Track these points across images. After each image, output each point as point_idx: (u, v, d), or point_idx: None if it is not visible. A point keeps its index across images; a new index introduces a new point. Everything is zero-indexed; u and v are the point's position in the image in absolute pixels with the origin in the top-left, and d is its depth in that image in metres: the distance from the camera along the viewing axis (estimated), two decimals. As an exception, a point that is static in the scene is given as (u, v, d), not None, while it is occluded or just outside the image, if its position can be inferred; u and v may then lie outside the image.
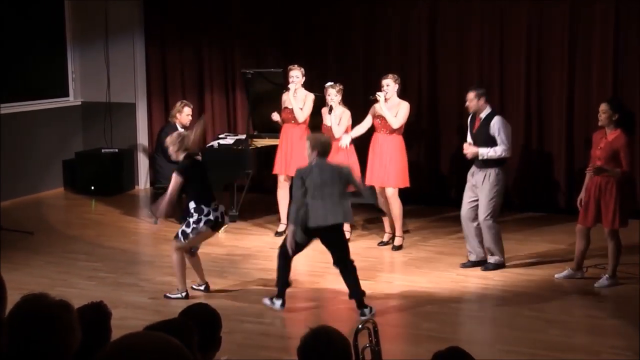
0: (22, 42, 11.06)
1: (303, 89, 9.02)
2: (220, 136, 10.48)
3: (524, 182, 10.08)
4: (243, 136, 10.03)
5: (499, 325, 6.59)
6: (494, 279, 7.63)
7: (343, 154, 8.77)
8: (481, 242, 7.84)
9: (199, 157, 7.39)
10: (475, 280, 7.63)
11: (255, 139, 9.93)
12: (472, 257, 7.94)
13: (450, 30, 10.19)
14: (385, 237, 8.80)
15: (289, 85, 8.94)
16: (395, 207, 8.60)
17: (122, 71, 11.76)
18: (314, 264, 8.25)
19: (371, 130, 8.74)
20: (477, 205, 7.76)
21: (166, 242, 8.74)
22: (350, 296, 6.77)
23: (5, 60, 10.77)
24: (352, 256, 8.51)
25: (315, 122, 9.01)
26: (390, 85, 8.51)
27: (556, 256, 8.26)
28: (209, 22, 11.30)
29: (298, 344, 3.26)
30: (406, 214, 8.82)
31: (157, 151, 10.16)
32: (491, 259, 7.83)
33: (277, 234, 9.18)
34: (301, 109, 8.93)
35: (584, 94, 9.65)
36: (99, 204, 10.94)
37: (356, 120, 8.94)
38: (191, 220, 6.99)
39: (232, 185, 9.79)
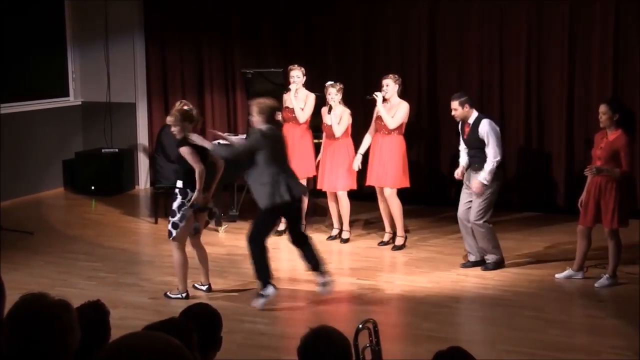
0: (22, 42, 11.07)
1: (304, 89, 9.01)
2: (221, 136, 10.46)
3: (524, 182, 10.08)
4: (243, 136, 10.02)
5: (498, 325, 6.59)
6: (493, 279, 7.63)
7: (344, 154, 8.77)
8: (479, 242, 7.85)
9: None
10: (475, 280, 7.63)
11: (255, 139, 9.91)
12: (472, 257, 7.94)
13: (450, 30, 10.20)
14: (386, 237, 8.80)
15: (290, 86, 8.93)
16: (395, 207, 8.60)
17: (122, 71, 11.76)
18: (314, 264, 8.25)
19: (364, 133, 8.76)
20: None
21: (166, 242, 8.73)
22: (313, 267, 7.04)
23: (5, 60, 10.77)
24: (352, 256, 8.58)
25: (316, 121, 9.00)
26: (390, 85, 8.51)
27: (556, 256, 8.26)
28: (209, 22, 11.31)
29: (298, 344, 3.26)
30: (406, 214, 8.82)
31: (157, 151, 10.17)
32: (489, 258, 7.82)
33: (277, 233, 9.18)
34: (302, 109, 8.92)
35: (584, 94, 9.65)
36: (99, 204, 10.94)
37: (356, 120, 8.94)
38: (175, 205, 6.91)
39: (232, 185, 9.79)
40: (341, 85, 8.74)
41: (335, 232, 9.01)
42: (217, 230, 9.28)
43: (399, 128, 8.52)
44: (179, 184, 6.94)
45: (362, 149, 8.73)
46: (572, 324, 6.64)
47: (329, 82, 8.76)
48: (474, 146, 7.73)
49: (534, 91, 9.91)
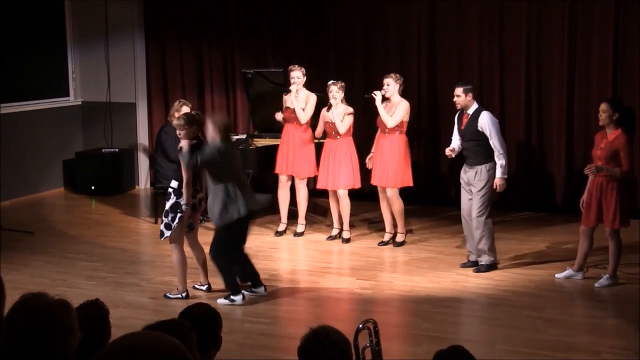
0: (22, 42, 11.07)
1: (304, 89, 9.01)
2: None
3: (524, 182, 10.08)
4: (243, 136, 10.02)
5: (499, 325, 6.59)
6: (494, 279, 7.63)
7: (345, 153, 8.77)
8: (482, 242, 7.84)
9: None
10: (475, 280, 7.63)
11: (255, 139, 9.93)
12: (472, 257, 7.94)
13: (450, 30, 10.19)
14: (386, 237, 8.80)
15: (291, 87, 8.92)
16: (396, 206, 8.60)
17: (122, 71, 11.77)
18: (314, 264, 8.26)
19: (376, 130, 8.75)
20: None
21: (166, 242, 8.74)
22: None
23: (5, 60, 10.78)
24: (352, 256, 8.58)
25: (316, 121, 8.99)
26: (391, 84, 8.51)
27: (556, 256, 8.26)
28: (209, 21, 11.31)
29: (298, 344, 3.27)
30: (407, 214, 8.82)
31: (157, 151, 10.15)
32: (483, 260, 7.80)
33: (277, 233, 9.19)
34: (303, 109, 8.91)
35: (584, 94, 9.64)
36: (99, 203, 10.94)
37: (357, 119, 8.93)
38: (168, 206, 6.91)
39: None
40: (343, 84, 8.74)
41: (335, 232, 9.00)
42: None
43: (400, 127, 8.52)
44: (174, 184, 6.95)
45: (374, 147, 8.74)
46: (572, 323, 6.63)
47: (332, 81, 8.77)
48: (469, 138, 7.72)
49: (534, 90, 9.91)
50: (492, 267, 7.81)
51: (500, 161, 7.60)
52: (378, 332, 4.30)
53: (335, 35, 10.69)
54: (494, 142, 7.60)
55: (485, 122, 7.64)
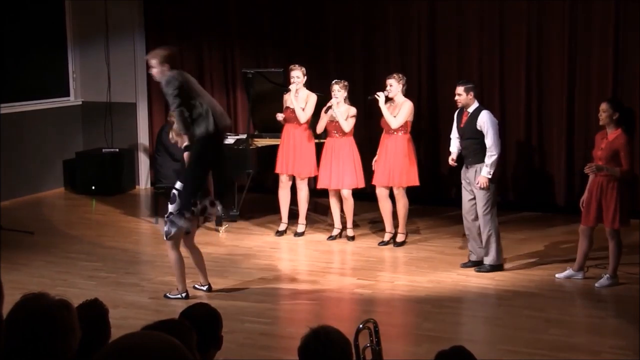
0: (22, 42, 11.07)
1: (305, 89, 9.00)
2: (221, 136, 10.46)
3: (524, 182, 10.09)
4: (244, 136, 10.03)
5: (499, 325, 6.59)
6: (494, 279, 7.63)
7: (348, 153, 8.77)
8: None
9: None
10: (476, 280, 7.63)
11: (255, 139, 9.93)
12: (473, 257, 7.93)
13: (450, 30, 10.19)
14: (386, 237, 8.80)
15: (290, 86, 8.93)
16: (402, 205, 8.62)
17: (122, 71, 11.77)
18: (314, 264, 8.26)
19: (381, 131, 8.76)
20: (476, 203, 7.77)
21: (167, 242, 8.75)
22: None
23: (5, 60, 10.78)
24: (353, 256, 8.58)
25: (317, 122, 8.98)
26: (394, 85, 8.51)
27: (556, 256, 8.26)
28: (209, 22, 11.31)
29: (299, 344, 3.27)
30: (407, 214, 8.81)
31: (157, 151, 10.16)
32: (487, 259, 7.80)
33: (278, 233, 9.19)
34: (303, 109, 8.91)
35: (584, 93, 9.64)
36: (99, 203, 10.94)
37: (358, 119, 8.93)
38: (173, 208, 6.86)
39: (232, 185, 9.79)
40: (346, 83, 8.75)
41: (336, 232, 9.01)
42: (217, 230, 9.28)
43: (404, 127, 8.52)
44: (179, 185, 6.91)
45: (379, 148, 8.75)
46: (572, 323, 6.63)
47: (335, 80, 8.78)
48: (468, 136, 7.71)
49: (534, 90, 9.91)
50: (496, 267, 7.78)
51: (488, 160, 7.57)
52: (378, 332, 4.31)
53: (335, 35, 10.70)
54: (489, 140, 7.59)
55: (485, 120, 7.63)
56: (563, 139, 9.79)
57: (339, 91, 8.67)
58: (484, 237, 7.72)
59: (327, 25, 10.72)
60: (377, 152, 8.72)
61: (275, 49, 10.98)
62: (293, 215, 9.26)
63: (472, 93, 7.74)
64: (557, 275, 7.61)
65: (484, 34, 10.05)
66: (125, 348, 1.98)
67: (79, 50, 11.95)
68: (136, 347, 1.97)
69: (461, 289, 7.44)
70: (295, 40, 10.88)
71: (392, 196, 8.72)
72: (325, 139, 9.02)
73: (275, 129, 9.46)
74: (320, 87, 9.40)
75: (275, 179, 9.39)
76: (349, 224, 8.97)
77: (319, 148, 9.05)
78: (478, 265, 7.86)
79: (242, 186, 9.81)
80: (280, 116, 9.15)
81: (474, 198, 7.75)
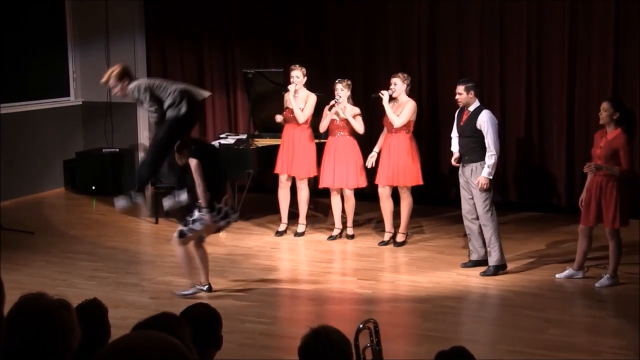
0: (22, 41, 11.07)
1: (305, 89, 9.00)
2: (221, 136, 10.48)
3: (524, 182, 10.09)
4: (244, 136, 10.03)
5: (499, 325, 6.59)
6: (494, 279, 7.63)
7: (350, 152, 8.77)
8: (484, 241, 7.81)
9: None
10: (476, 280, 7.63)
11: (256, 139, 9.93)
12: (474, 257, 7.93)
13: (450, 29, 10.19)
14: (386, 237, 8.80)
15: (289, 86, 8.93)
16: (406, 204, 8.63)
17: (123, 71, 11.74)
18: (314, 264, 8.26)
19: (381, 130, 8.76)
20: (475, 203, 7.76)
21: (167, 242, 8.74)
22: None
23: (5, 60, 10.77)
24: (353, 256, 8.59)
25: (317, 122, 8.98)
26: (398, 84, 8.52)
27: (557, 256, 8.26)
28: (209, 21, 11.31)
29: (299, 344, 3.27)
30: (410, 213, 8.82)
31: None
32: (491, 261, 7.77)
33: (278, 233, 9.19)
34: (302, 109, 8.91)
35: (585, 93, 9.64)
36: (99, 204, 10.94)
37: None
38: (196, 211, 6.89)
39: (233, 185, 9.79)
40: (349, 82, 8.75)
41: (336, 232, 9.01)
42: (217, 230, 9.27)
43: (406, 126, 8.53)
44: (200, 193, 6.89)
45: (378, 147, 8.73)
46: (572, 323, 6.64)
47: (338, 79, 8.78)
48: (467, 134, 7.70)
49: (534, 90, 9.91)
50: (501, 267, 7.76)
51: (489, 161, 7.56)
52: (378, 332, 4.31)
53: (335, 35, 10.69)
54: (488, 140, 7.57)
55: (485, 119, 7.62)
56: (563, 138, 9.79)
57: (342, 90, 8.67)
58: (487, 237, 7.71)
59: (327, 25, 10.72)
60: (376, 151, 8.71)
61: (275, 49, 10.98)
62: (293, 216, 9.27)
63: (472, 92, 7.73)
64: (557, 276, 7.61)
65: (484, 34, 10.05)
66: (125, 348, 1.98)
67: (79, 50, 11.95)
68: (136, 347, 1.97)
69: (461, 289, 7.45)
70: (295, 40, 10.88)
71: (394, 196, 8.72)
72: (326, 138, 9.02)
73: (276, 129, 9.46)
74: (320, 87, 9.40)
75: (276, 179, 9.39)
76: (349, 222, 8.99)
77: (320, 148, 9.05)
78: (479, 265, 7.85)
79: (242, 186, 9.81)
80: (279, 118, 9.15)
81: (472, 197, 7.75)
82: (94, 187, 11.35)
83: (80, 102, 12.09)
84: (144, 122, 11.86)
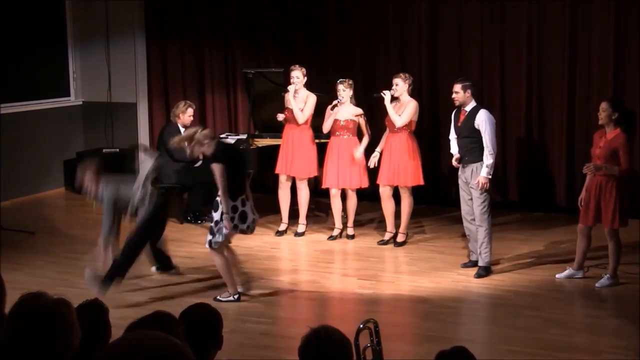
0: (23, 41, 11.07)
1: (305, 89, 9.00)
2: (222, 136, 10.47)
3: (524, 182, 10.08)
4: (244, 136, 10.03)
5: (499, 325, 6.59)
6: (494, 279, 7.63)
7: (347, 154, 8.78)
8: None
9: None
10: (476, 280, 7.63)
11: (256, 139, 9.93)
12: (474, 257, 7.92)
13: (450, 29, 10.19)
14: (386, 236, 8.81)
15: (289, 87, 8.92)
16: (406, 204, 8.63)
17: (123, 71, 11.76)
18: (315, 264, 8.26)
19: (383, 130, 8.77)
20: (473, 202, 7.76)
21: (167, 242, 8.74)
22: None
23: (6, 60, 10.77)
24: (353, 256, 8.58)
25: (318, 122, 8.98)
26: (399, 84, 8.52)
27: (557, 256, 8.26)
28: (209, 21, 11.31)
29: (299, 344, 3.27)
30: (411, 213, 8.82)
31: (158, 150, 10.14)
32: (481, 261, 7.76)
33: (278, 233, 9.19)
34: (302, 109, 8.91)
35: (585, 93, 9.64)
36: (100, 204, 10.91)
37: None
38: (217, 216, 6.81)
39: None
40: (351, 82, 8.76)
41: (336, 232, 9.01)
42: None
43: (408, 126, 8.53)
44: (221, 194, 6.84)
45: (380, 147, 8.73)
46: (572, 323, 6.64)
47: (340, 79, 8.78)
48: (465, 134, 7.69)
49: (535, 90, 9.90)
50: (489, 269, 7.79)
51: (488, 160, 7.54)
52: (379, 332, 4.31)
53: (335, 36, 10.69)
54: (487, 139, 7.55)
55: (483, 118, 7.60)
56: (563, 138, 9.78)
57: (344, 90, 8.67)
58: (480, 237, 7.70)
59: (327, 25, 10.71)
60: (378, 150, 8.71)
61: (275, 49, 10.98)
62: (293, 215, 9.27)
63: (469, 91, 7.72)
64: (557, 276, 7.61)
65: (484, 34, 10.05)
66: (125, 348, 1.98)
67: (80, 50, 11.95)
68: (137, 348, 1.98)
69: (461, 289, 7.45)
70: (295, 40, 10.88)
71: (394, 196, 8.72)
72: (327, 138, 9.01)
73: (276, 129, 9.46)
74: (320, 87, 9.40)
75: (276, 179, 9.39)
76: (350, 222, 8.99)
77: (321, 148, 9.05)
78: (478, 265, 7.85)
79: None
80: (280, 116, 9.15)
81: (472, 198, 7.74)
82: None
83: (81, 102, 12.10)
84: (144, 122, 11.87)
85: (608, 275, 7.34)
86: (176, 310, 3.57)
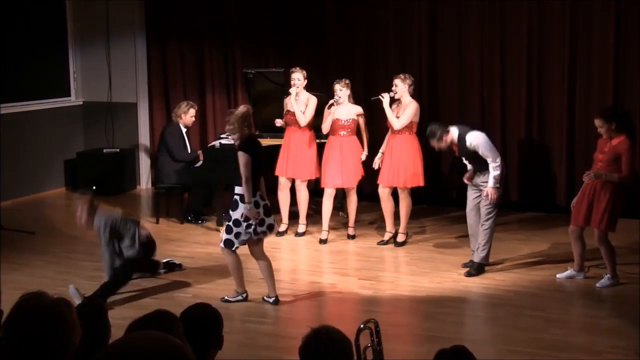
0: (23, 41, 11.07)
1: (305, 91, 9.00)
2: (222, 136, 10.46)
3: (524, 182, 10.08)
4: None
5: (500, 325, 6.59)
6: (495, 279, 7.63)
7: (354, 152, 8.77)
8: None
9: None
10: (477, 280, 7.63)
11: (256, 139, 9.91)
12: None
13: (450, 30, 10.19)
14: (386, 236, 8.81)
15: (290, 90, 8.91)
16: (404, 205, 8.63)
17: (123, 71, 11.77)
18: (315, 264, 8.26)
19: (384, 131, 8.76)
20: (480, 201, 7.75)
21: (167, 242, 8.76)
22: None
23: (6, 60, 10.78)
24: (353, 255, 8.58)
25: (318, 122, 8.98)
26: (399, 85, 8.52)
27: (557, 256, 8.26)
28: (210, 21, 11.31)
29: (300, 344, 3.27)
30: (409, 214, 8.81)
31: (159, 151, 10.16)
32: (476, 258, 7.75)
33: (278, 233, 9.18)
34: (303, 112, 8.90)
35: (585, 94, 9.63)
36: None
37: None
38: (236, 214, 6.71)
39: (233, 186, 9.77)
40: (347, 81, 8.75)
41: (324, 235, 8.93)
42: (218, 230, 9.27)
43: (409, 128, 8.52)
44: (239, 190, 6.73)
45: (383, 147, 8.73)
46: (572, 323, 6.64)
47: (336, 80, 8.78)
48: (471, 157, 7.73)
49: (535, 90, 9.90)
50: (482, 268, 7.78)
51: (494, 172, 7.55)
52: (379, 332, 4.31)
53: (335, 36, 10.69)
54: (486, 155, 7.53)
55: (472, 142, 7.57)
56: (564, 139, 9.78)
57: (340, 90, 8.67)
58: (482, 236, 7.70)
59: (327, 25, 10.71)
60: (382, 151, 8.71)
61: (275, 49, 10.98)
62: (293, 216, 9.26)
63: (445, 134, 7.66)
64: (557, 276, 7.61)
65: (484, 34, 10.05)
66: (126, 348, 1.98)
67: (80, 50, 11.95)
68: (137, 348, 1.98)
69: (462, 289, 7.45)
70: (295, 40, 10.88)
71: (394, 195, 8.72)
72: (326, 138, 9.00)
73: (276, 129, 9.46)
74: (320, 87, 9.39)
75: (276, 179, 9.38)
76: (351, 222, 8.99)
77: (320, 147, 9.05)
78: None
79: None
80: (279, 122, 9.15)
81: (479, 196, 7.74)
82: (94, 187, 11.32)
83: (81, 102, 12.10)
84: (145, 122, 11.87)
85: (608, 275, 7.34)
86: (176, 310, 3.57)
